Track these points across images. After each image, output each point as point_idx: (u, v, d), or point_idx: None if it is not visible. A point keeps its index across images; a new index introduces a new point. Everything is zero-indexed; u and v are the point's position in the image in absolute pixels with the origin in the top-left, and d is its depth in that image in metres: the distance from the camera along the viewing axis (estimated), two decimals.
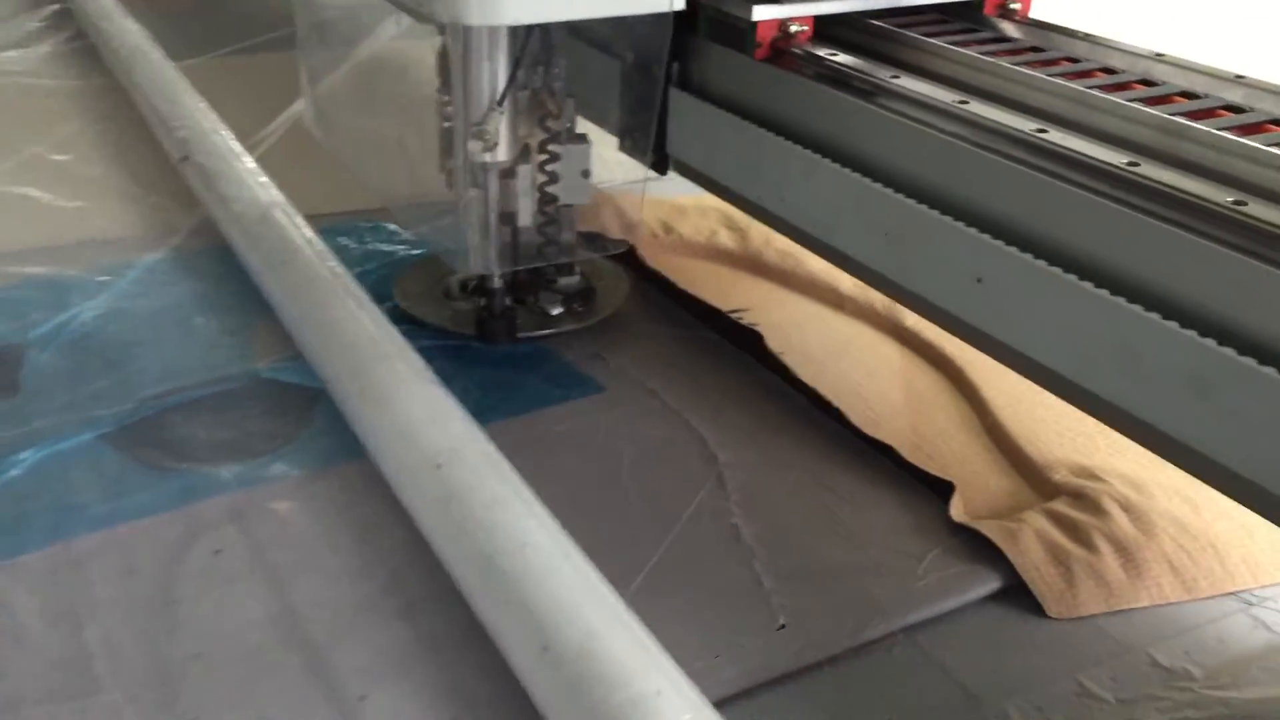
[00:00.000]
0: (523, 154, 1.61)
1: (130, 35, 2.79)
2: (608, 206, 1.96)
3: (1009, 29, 1.53)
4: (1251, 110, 1.23)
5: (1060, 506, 1.38)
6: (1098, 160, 1.11)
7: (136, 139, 2.46)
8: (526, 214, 1.63)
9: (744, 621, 1.23)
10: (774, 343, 1.71)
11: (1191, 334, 0.97)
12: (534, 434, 1.54)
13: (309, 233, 1.76)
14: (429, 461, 1.26)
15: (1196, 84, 1.31)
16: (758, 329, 1.72)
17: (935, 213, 1.21)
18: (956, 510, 1.37)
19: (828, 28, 1.52)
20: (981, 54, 1.39)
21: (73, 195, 2.26)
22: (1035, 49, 1.45)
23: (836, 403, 1.56)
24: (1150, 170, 1.08)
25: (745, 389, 1.65)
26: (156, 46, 2.70)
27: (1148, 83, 1.34)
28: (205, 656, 1.17)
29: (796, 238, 1.50)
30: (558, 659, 1.01)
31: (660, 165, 1.69)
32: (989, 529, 1.34)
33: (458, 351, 1.71)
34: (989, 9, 1.59)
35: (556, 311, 1.77)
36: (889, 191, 1.26)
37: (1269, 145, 1.08)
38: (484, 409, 1.57)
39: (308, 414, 1.57)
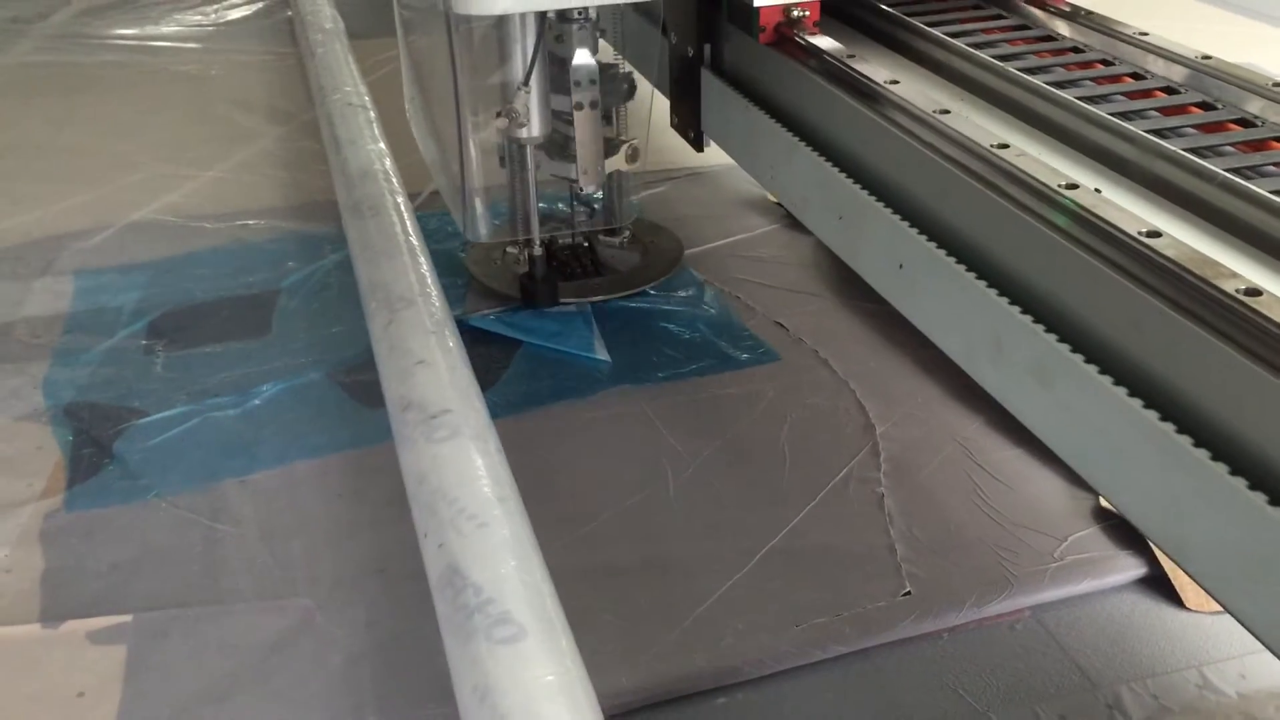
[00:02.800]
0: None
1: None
2: None
3: (1035, 16, 1.52)
4: (1262, 124, 1.20)
5: None
6: (979, 146, 1.13)
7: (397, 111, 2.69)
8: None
9: (871, 585, 1.30)
10: None
11: (1040, 328, 1.02)
12: (706, 395, 1.64)
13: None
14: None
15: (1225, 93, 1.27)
16: None
17: (872, 198, 1.26)
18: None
19: (845, 9, 1.57)
20: (975, 44, 1.42)
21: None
22: (1034, 35, 1.47)
23: None
24: (1011, 155, 1.10)
25: (920, 364, 1.69)
26: None
27: (1170, 90, 1.30)
28: (388, 572, 1.34)
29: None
30: None
31: (697, 142, 1.77)
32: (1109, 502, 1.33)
33: (645, 316, 1.83)
34: None
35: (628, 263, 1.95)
36: (842, 176, 1.32)
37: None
38: (662, 370, 1.70)
39: (505, 362, 1.72)
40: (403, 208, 1.86)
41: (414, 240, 1.74)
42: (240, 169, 2.50)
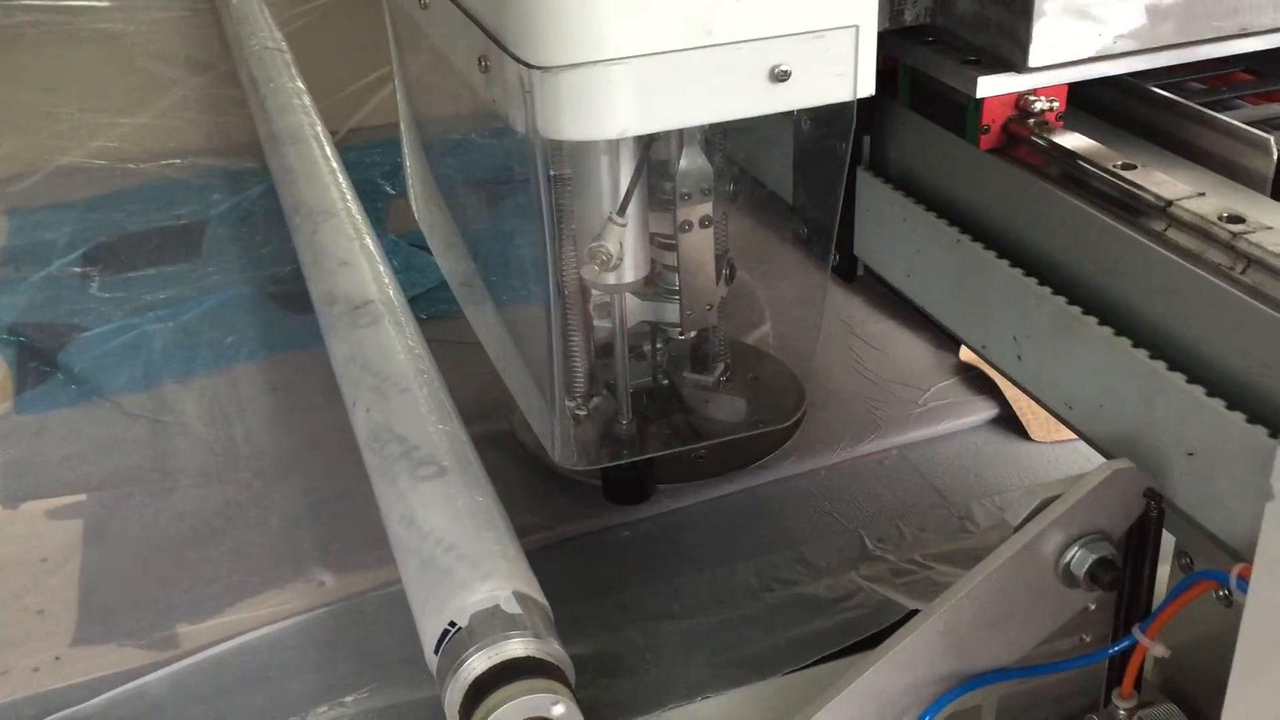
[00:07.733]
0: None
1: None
2: None
3: None
4: None
5: None
6: None
7: (317, 56, 2.78)
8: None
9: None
10: None
11: None
12: None
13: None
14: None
15: None
16: None
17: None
18: (965, 351, 1.54)
19: (1097, 98, 1.05)
20: None
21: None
22: None
23: None
24: None
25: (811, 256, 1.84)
26: None
27: None
28: (322, 449, 1.47)
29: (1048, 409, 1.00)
30: None
31: (846, 270, 1.28)
32: (988, 365, 1.50)
33: None
34: None
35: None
36: (1198, 391, 0.79)
37: None
38: None
39: (434, 274, 1.85)
40: (321, 137, 1.98)
41: (334, 164, 1.86)
42: (163, 115, 2.59)
